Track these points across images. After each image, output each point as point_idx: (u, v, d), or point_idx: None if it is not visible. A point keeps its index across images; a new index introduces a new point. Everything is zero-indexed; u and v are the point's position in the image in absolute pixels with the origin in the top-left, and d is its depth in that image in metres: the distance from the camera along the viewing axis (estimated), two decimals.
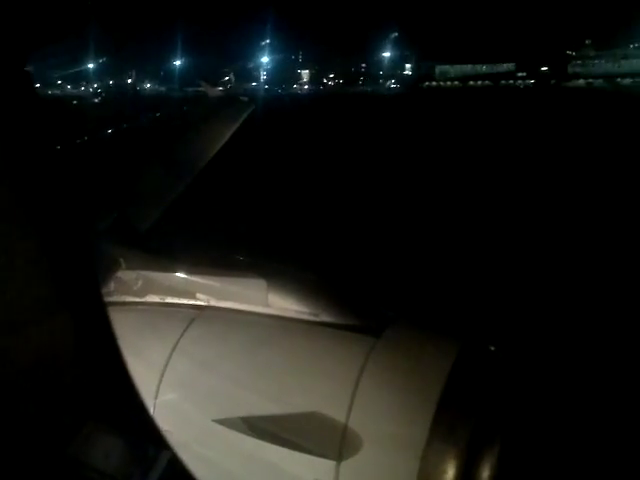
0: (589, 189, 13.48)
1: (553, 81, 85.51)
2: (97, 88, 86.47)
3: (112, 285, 2.47)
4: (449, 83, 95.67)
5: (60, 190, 1.17)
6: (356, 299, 2.37)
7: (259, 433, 1.87)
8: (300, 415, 1.85)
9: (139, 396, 1.32)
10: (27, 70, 1.13)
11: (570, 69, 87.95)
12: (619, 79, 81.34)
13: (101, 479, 1.19)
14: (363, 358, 1.89)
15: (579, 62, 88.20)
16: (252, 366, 2.04)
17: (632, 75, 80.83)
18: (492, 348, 1.99)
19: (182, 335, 2.15)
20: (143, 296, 2.46)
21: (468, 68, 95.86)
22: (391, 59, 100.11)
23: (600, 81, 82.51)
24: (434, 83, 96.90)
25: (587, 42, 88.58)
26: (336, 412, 1.80)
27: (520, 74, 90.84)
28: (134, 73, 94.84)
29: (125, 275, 2.49)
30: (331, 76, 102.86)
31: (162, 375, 2.06)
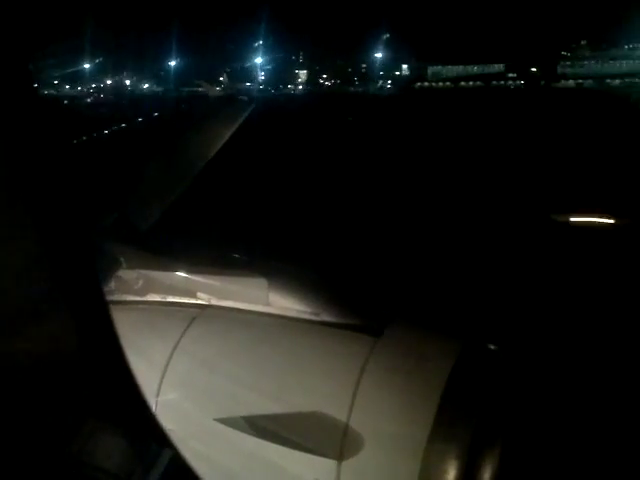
0: (581, 186, 13.48)
1: (543, 82, 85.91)
2: (89, 88, 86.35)
3: (113, 284, 2.45)
4: (441, 84, 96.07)
5: (61, 190, 1.15)
6: (357, 298, 2.37)
7: (260, 432, 1.86)
8: (301, 414, 1.85)
9: (141, 395, 1.30)
10: (28, 69, 1.11)
11: (560, 70, 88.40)
12: (609, 80, 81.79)
13: (103, 477, 1.19)
14: (364, 358, 1.88)
15: (568, 63, 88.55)
16: (253, 365, 2.03)
17: (621, 76, 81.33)
18: (493, 348, 1.98)
19: (183, 334, 2.14)
20: (144, 295, 2.44)
21: (460, 69, 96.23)
22: (385, 60, 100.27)
23: (590, 81, 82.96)
24: (426, 84, 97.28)
25: (582, 42, 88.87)
26: (337, 411, 1.79)
27: (510, 75, 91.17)
28: (125, 74, 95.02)
29: (126, 274, 2.47)
30: (324, 76, 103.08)
31: (163, 374, 2.05)
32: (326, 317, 2.13)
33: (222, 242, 7.54)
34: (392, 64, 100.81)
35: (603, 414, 4.13)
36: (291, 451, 1.79)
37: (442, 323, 2.15)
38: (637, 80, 77.04)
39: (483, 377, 1.83)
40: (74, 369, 1.22)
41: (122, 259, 2.48)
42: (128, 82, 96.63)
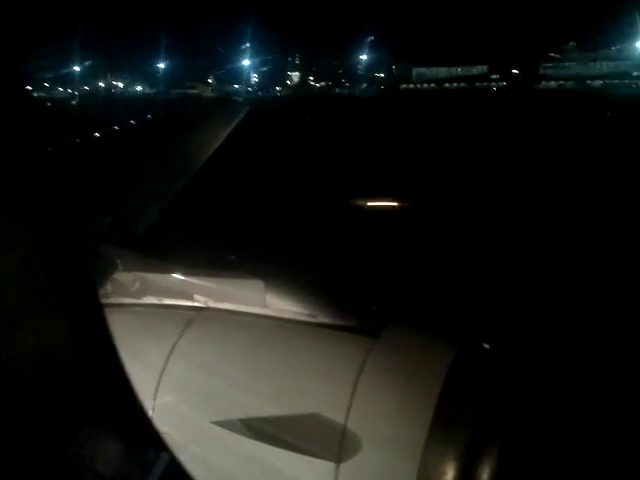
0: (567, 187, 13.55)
1: (525, 83, 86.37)
2: (81, 90, 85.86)
3: (109, 287, 2.42)
4: (425, 85, 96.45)
5: (54, 192, 1.13)
6: (354, 300, 2.35)
7: (257, 434, 1.83)
8: (298, 416, 1.82)
9: (137, 398, 1.29)
10: (21, 72, 1.09)
11: (542, 71, 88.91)
12: (589, 81, 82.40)
13: None
14: (361, 359, 1.86)
15: (550, 64, 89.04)
16: (250, 367, 2.01)
17: (602, 77, 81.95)
18: (490, 348, 1.96)
19: (180, 337, 2.11)
20: (140, 298, 2.41)
21: (444, 71, 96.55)
22: (371, 62, 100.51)
23: (571, 83, 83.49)
24: (411, 85, 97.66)
25: (571, 44, 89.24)
26: (335, 413, 1.76)
27: (494, 76, 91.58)
28: (109, 75, 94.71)
29: (122, 277, 2.44)
30: (313, 78, 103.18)
31: (160, 377, 2.03)
32: (323, 319, 2.10)
33: (219, 244, 7.52)
34: (379, 66, 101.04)
35: (600, 412, 4.14)
36: (289, 453, 1.77)
37: (439, 324, 2.14)
38: (617, 82, 77.71)
39: (481, 378, 1.81)
40: (70, 372, 1.20)
41: (118, 261, 2.45)
42: (121, 84, 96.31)
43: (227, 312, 2.25)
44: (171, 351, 2.06)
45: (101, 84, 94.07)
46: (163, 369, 2.03)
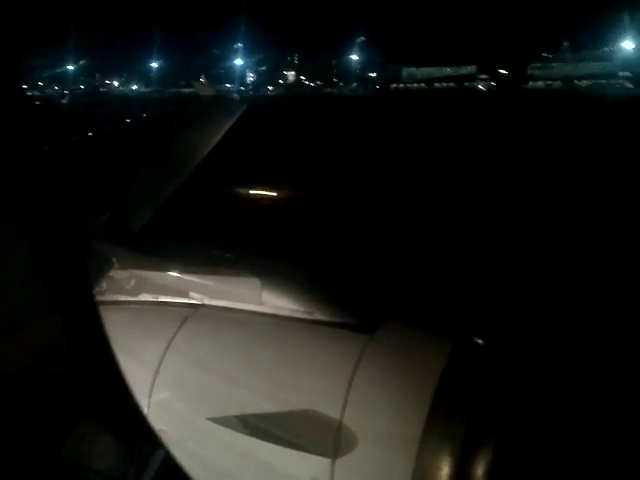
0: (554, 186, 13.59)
1: (513, 83, 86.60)
2: (77, 89, 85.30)
3: (105, 284, 2.40)
4: (415, 85, 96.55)
5: (49, 190, 1.12)
6: (350, 297, 2.34)
7: (253, 431, 1.82)
8: (294, 413, 1.81)
9: (133, 395, 1.27)
10: (18, 71, 1.08)
11: (529, 71, 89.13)
12: (576, 81, 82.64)
13: (96, 478, 1.15)
14: (357, 356, 1.85)
15: (538, 65, 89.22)
16: (246, 364, 2.00)
17: (589, 77, 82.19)
18: (485, 346, 1.95)
19: (176, 334, 2.10)
20: (136, 295, 2.40)
21: (434, 70, 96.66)
22: (362, 62, 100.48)
23: (558, 83, 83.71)
24: (401, 85, 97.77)
25: (565, 44, 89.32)
26: (330, 410, 1.75)
27: (482, 76, 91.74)
28: (98, 76, 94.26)
29: (118, 274, 2.43)
30: (304, 77, 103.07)
31: (156, 374, 2.02)
32: (319, 316, 2.09)
33: (215, 241, 7.49)
34: (370, 66, 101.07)
35: (598, 411, 4.14)
36: (284, 450, 1.76)
37: (434, 321, 2.12)
38: (603, 82, 78.00)
39: (476, 375, 1.80)
40: (65, 370, 1.18)
41: (114, 259, 2.44)
42: (117, 83, 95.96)
43: (223, 309, 2.24)
44: (167, 348, 2.04)
45: (96, 83, 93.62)
46: (159, 366, 2.01)
